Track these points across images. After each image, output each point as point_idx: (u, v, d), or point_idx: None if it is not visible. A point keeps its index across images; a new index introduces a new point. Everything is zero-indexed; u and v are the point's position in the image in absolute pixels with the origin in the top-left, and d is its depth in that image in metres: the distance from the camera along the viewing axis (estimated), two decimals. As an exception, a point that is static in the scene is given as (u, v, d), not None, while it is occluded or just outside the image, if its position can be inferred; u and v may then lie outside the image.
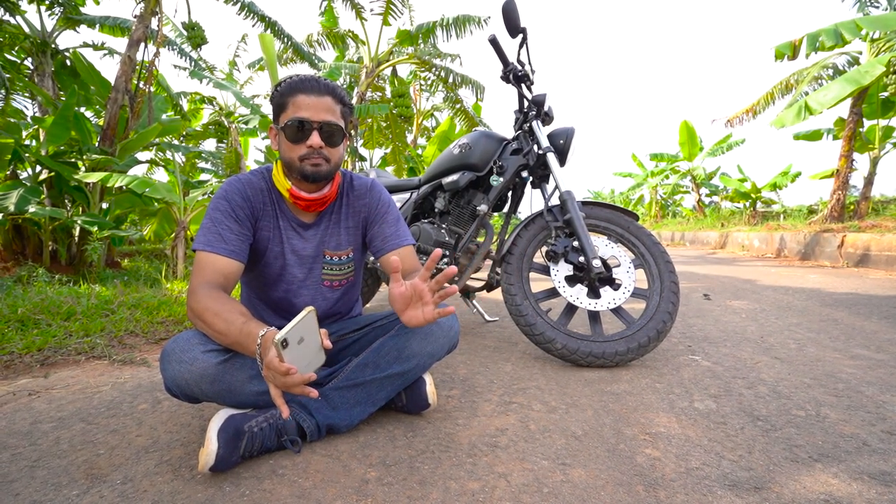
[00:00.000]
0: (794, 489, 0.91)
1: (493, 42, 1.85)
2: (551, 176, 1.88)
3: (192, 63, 7.69)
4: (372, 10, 7.99)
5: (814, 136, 9.08)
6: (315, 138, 1.10)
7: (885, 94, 6.68)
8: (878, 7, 7.14)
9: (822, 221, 7.10)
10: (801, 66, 8.20)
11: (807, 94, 7.48)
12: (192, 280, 1.07)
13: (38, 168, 4.86)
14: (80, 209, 5.00)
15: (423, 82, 9.68)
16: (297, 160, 1.12)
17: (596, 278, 1.72)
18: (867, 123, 7.31)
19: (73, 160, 4.85)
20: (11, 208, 4.07)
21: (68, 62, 6.52)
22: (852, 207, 7.53)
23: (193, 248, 1.10)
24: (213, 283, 1.05)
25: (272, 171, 1.21)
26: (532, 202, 2.05)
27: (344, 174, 1.30)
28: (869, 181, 7.24)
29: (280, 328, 1.18)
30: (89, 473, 0.96)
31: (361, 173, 1.49)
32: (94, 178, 4.20)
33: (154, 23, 5.21)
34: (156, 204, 5.46)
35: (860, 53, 7.22)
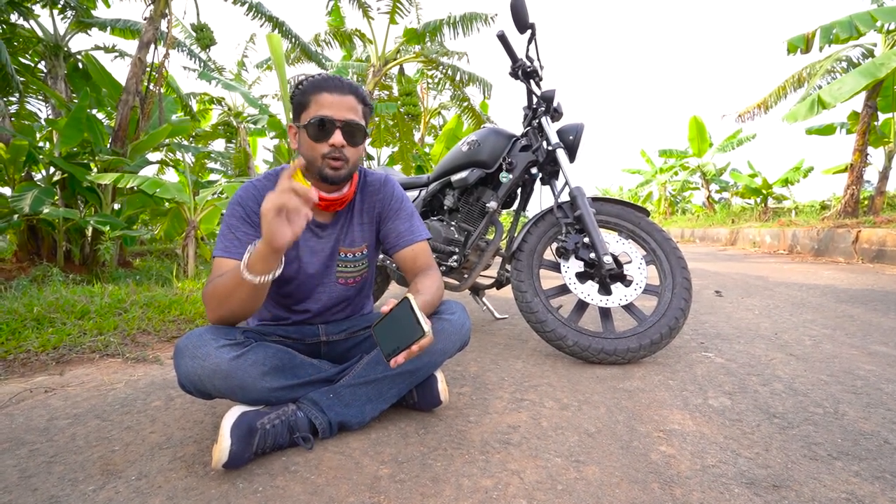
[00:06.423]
0: (813, 487, 0.89)
1: (502, 38, 1.84)
2: (561, 172, 1.86)
3: (201, 64, 7.76)
4: (379, 9, 8.00)
5: (827, 130, 8.94)
6: (338, 137, 1.10)
7: (901, 86, 6.55)
8: (893, -2, 7.01)
9: (836, 217, 6.99)
10: (813, 59, 8.03)
11: (820, 87, 7.36)
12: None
13: (52, 169, 4.93)
14: (93, 210, 5.06)
15: (430, 80, 9.68)
16: (319, 159, 1.12)
17: (607, 275, 1.71)
18: (882, 117, 7.18)
19: (85, 161, 4.92)
20: (26, 209, 4.13)
21: (80, 65, 6.61)
22: (867, 203, 7.41)
23: (213, 256, 1.12)
24: None
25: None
26: (542, 199, 2.03)
27: (359, 171, 1.30)
28: (884, 176, 7.11)
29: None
30: (105, 469, 0.97)
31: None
32: (107, 178, 4.25)
33: (164, 25, 5.26)
34: (166, 204, 5.50)
35: (875, 46, 7.09)
